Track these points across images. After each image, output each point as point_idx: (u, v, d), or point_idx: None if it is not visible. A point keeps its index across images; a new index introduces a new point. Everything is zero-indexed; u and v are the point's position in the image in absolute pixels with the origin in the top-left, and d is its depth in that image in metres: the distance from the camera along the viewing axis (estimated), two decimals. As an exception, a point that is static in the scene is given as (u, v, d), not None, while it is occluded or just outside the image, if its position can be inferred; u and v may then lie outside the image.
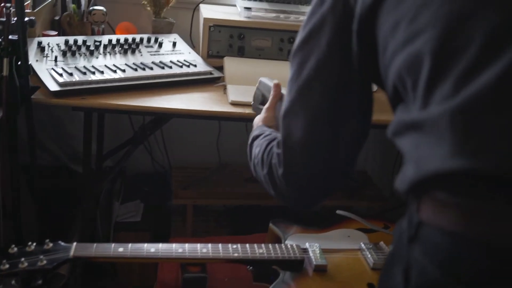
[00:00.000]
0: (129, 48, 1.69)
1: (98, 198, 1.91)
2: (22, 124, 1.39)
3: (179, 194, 2.01)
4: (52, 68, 1.49)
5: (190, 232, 2.03)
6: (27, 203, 1.48)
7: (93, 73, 1.50)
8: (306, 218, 1.46)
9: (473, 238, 0.55)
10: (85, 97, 1.43)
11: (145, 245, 1.18)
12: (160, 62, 1.66)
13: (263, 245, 1.24)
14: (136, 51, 1.70)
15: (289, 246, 1.26)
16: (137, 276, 1.88)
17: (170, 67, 1.64)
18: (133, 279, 1.89)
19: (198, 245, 1.20)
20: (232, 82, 1.63)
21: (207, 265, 1.41)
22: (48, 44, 1.60)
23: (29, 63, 1.36)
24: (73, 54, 1.59)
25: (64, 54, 1.57)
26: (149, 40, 1.76)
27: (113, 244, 1.18)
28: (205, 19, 1.76)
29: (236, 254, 1.20)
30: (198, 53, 1.79)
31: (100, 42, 1.67)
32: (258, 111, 1.16)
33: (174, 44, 1.79)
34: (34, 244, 1.17)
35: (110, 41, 1.69)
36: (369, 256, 1.28)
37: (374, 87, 0.82)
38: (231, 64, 1.71)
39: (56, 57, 1.54)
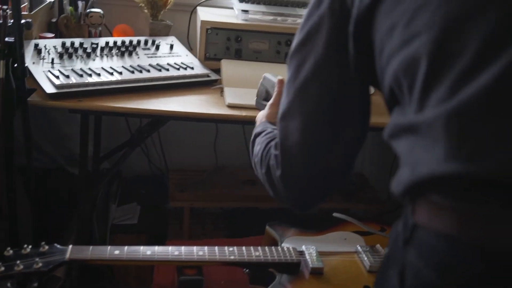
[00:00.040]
0: (126, 50, 1.69)
1: (95, 201, 1.90)
2: (18, 126, 1.39)
3: (176, 197, 2.00)
4: (49, 70, 1.48)
5: (187, 234, 2.03)
6: (23, 205, 1.48)
7: (90, 75, 1.50)
8: (302, 221, 1.46)
9: (468, 242, 0.55)
10: (82, 100, 1.43)
11: (141, 247, 1.17)
12: (157, 64, 1.66)
13: (259, 247, 1.24)
14: (133, 54, 1.70)
15: (285, 249, 1.26)
16: (134, 278, 1.88)
17: (167, 70, 1.64)
18: (129, 281, 1.89)
19: (194, 248, 1.20)
20: (229, 84, 1.63)
21: (203, 267, 1.41)
22: (45, 46, 1.59)
23: (26, 65, 1.36)
24: (70, 56, 1.59)
25: (61, 56, 1.57)
26: (146, 42, 1.76)
27: (109, 247, 1.17)
28: (203, 22, 1.76)
29: (232, 257, 1.20)
30: (195, 55, 1.79)
31: (97, 44, 1.67)
32: (261, 107, 1.16)
33: (171, 46, 1.79)
34: (30, 246, 1.16)
35: (107, 43, 1.69)
36: (366, 258, 1.28)
37: (371, 90, 0.82)
38: (228, 67, 1.71)
39: (53, 59, 1.54)
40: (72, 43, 1.63)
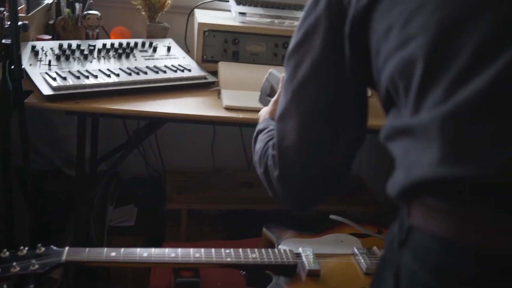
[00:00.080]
0: (123, 52, 1.69)
1: (92, 202, 1.90)
2: (15, 127, 1.39)
3: (173, 199, 2.00)
4: (46, 72, 1.48)
5: (184, 236, 2.03)
6: (19, 207, 1.48)
7: (87, 77, 1.50)
8: (299, 223, 1.46)
9: (463, 245, 0.55)
10: (79, 101, 1.43)
11: (138, 249, 1.17)
12: (154, 66, 1.66)
13: (256, 249, 1.24)
14: (130, 56, 1.70)
15: (282, 251, 1.26)
16: (130, 280, 1.88)
17: (165, 72, 1.64)
18: (126, 283, 1.88)
19: (191, 250, 1.20)
20: (226, 87, 1.63)
21: (200, 269, 1.41)
22: (42, 48, 1.59)
23: (23, 67, 1.36)
24: (67, 58, 1.59)
25: (58, 58, 1.57)
26: (143, 44, 1.76)
27: (105, 249, 1.17)
28: (200, 24, 1.76)
29: (229, 259, 1.20)
30: (192, 57, 1.79)
31: (94, 46, 1.67)
32: (265, 103, 1.15)
33: (169, 48, 1.79)
34: (26, 248, 1.16)
35: (104, 45, 1.69)
36: (362, 261, 1.28)
37: (369, 92, 0.82)
38: (226, 69, 1.71)
39: (50, 61, 1.54)
40: (69, 45, 1.63)
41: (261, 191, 2.12)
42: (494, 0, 0.55)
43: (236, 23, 1.80)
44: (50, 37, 1.73)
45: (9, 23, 1.30)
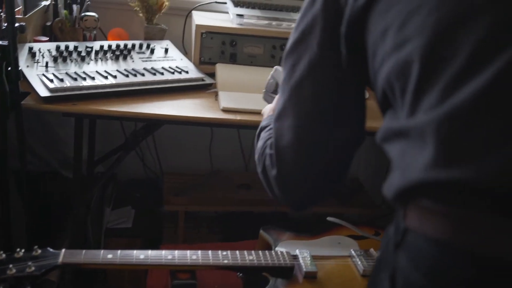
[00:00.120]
0: (121, 54, 1.69)
1: (89, 204, 1.90)
2: (12, 129, 1.38)
3: (170, 200, 2.00)
4: (43, 74, 1.48)
5: (182, 238, 2.03)
6: (16, 209, 1.48)
7: (84, 79, 1.50)
8: (297, 224, 1.47)
9: (458, 247, 0.55)
10: (76, 103, 1.42)
11: (135, 251, 1.17)
12: (152, 68, 1.66)
13: (253, 252, 1.24)
14: (128, 57, 1.70)
15: (279, 253, 1.26)
16: (127, 282, 1.87)
17: (162, 74, 1.64)
18: (123, 285, 1.88)
19: (188, 252, 1.19)
20: (223, 88, 1.63)
21: (197, 272, 1.41)
22: (39, 49, 1.59)
23: (20, 68, 1.35)
24: (64, 60, 1.58)
25: (55, 60, 1.57)
26: (141, 46, 1.76)
27: (102, 251, 1.17)
28: (197, 26, 1.76)
29: (226, 261, 1.19)
30: (190, 59, 1.79)
31: (91, 48, 1.67)
32: (269, 100, 1.15)
33: (166, 50, 1.79)
34: (23, 250, 1.16)
35: (101, 47, 1.68)
36: (359, 263, 1.28)
37: (366, 94, 0.82)
38: (223, 71, 1.71)
39: (47, 63, 1.54)
40: (67, 47, 1.63)
41: (258, 193, 2.13)
42: (490, 2, 0.55)
43: (234, 25, 1.80)
44: (47, 38, 1.73)
45: (5, 24, 1.30)
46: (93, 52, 1.66)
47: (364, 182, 2.34)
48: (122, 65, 1.65)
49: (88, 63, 1.61)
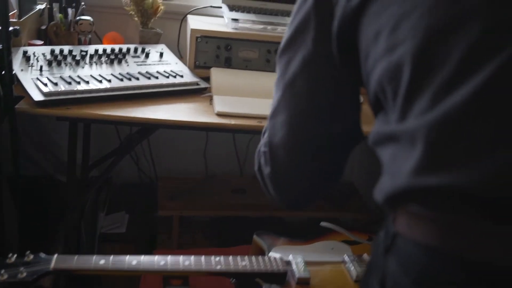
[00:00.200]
0: (116, 58, 1.69)
1: (83, 209, 1.89)
2: (6, 133, 1.38)
3: (165, 205, 2.00)
4: (37, 78, 1.48)
5: (176, 243, 2.02)
6: (10, 213, 1.47)
7: (79, 83, 1.49)
8: (290, 230, 1.46)
9: (447, 252, 0.55)
10: (70, 107, 1.42)
11: (127, 257, 1.16)
12: (147, 72, 1.65)
13: (246, 257, 1.23)
14: (123, 61, 1.69)
15: (272, 259, 1.25)
16: (121, 287, 1.87)
17: (157, 78, 1.63)
18: (117, 290, 1.88)
19: (181, 258, 1.19)
20: (218, 92, 1.63)
21: (190, 277, 1.40)
22: (33, 53, 1.59)
23: (14, 72, 1.35)
24: (59, 63, 1.58)
25: (49, 63, 1.57)
26: (136, 50, 1.76)
27: (94, 256, 1.16)
28: (193, 30, 1.76)
29: (218, 267, 1.19)
30: (185, 63, 1.79)
31: (86, 52, 1.66)
32: None
33: (161, 54, 1.78)
34: (15, 256, 1.15)
35: (96, 51, 1.68)
36: (352, 268, 1.28)
37: (361, 98, 0.81)
38: (218, 75, 1.71)
39: (41, 67, 1.54)
40: (61, 51, 1.63)
41: (254, 198, 2.13)
42: (482, 7, 0.55)
43: (229, 29, 1.80)
44: (42, 42, 1.72)
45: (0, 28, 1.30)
46: (88, 56, 1.65)
47: (358, 186, 2.34)
48: (117, 69, 1.65)
49: (83, 67, 1.61)
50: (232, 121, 1.48)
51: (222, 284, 1.43)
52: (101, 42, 1.89)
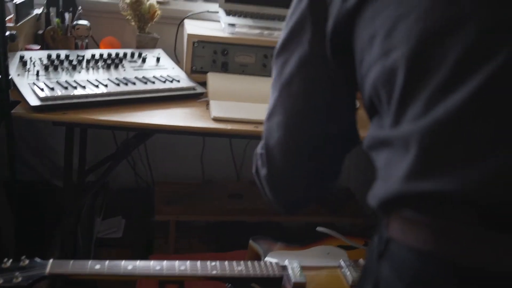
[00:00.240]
0: (112, 63, 1.69)
1: (80, 214, 1.89)
2: (2, 138, 1.38)
3: (162, 210, 1.99)
4: (34, 83, 1.48)
5: (173, 248, 2.02)
6: (6, 218, 1.47)
7: (75, 87, 1.49)
8: (286, 235, 1.46)
9: (440, 257, 0.55)
10: (67, 112, 1.42)
11: (122, 262, 1.16)
12: (143, 77, 1.66)
13: (242, 262, 1.23)
14: (119, 66, 1.69)
15: (268, 264, 1.25)
16: (118, 292, 1.86)
17: (153, 82, 1.63)
18: (113, 295, 1.87)
19: (176, 263, 1.19)
20: (215, 97, 1.63)
21: (185, 282, 1.40)
22: (30, 58, 1.59)
23: (10, 77, 1.35)
24: (56, 68, 1.58)
25: (46, 68, 1.57)
26: (132, 55, 1.76)
27: (90, 261, 1.16)
28: (189, 35, 1.76)
29: (214, 272, 1.19)
30: (182, 68, 1.79)
31: (83, 56, 1.67)
32: None
33: (158, 59, 1.79)
34: (10, 260, 1.15)
35: (93, 55, 1.68)
36: (348, 273, 1.28)
37: (357, 104, 0.81)
38: (215, 80, 1.71)
39: (38, 72, 1.54)
40: (58, 55, 1.63)
41: (250, 203, 2.13)
42: (476, 11, 0.55)
43: (226, 34, 1.81)
44: (39, 47, 1.73)
45: (-4, 33, 1.30)
46: (85, 60, 1.65)
47: (355, 191, 2.34)
48: (114, 74, 1.65)
49: (80, 72, 1.61)
50: (229, 126, 1.48)
51: (218, 289, 1.42)
52: (98, 47, 1.89)
